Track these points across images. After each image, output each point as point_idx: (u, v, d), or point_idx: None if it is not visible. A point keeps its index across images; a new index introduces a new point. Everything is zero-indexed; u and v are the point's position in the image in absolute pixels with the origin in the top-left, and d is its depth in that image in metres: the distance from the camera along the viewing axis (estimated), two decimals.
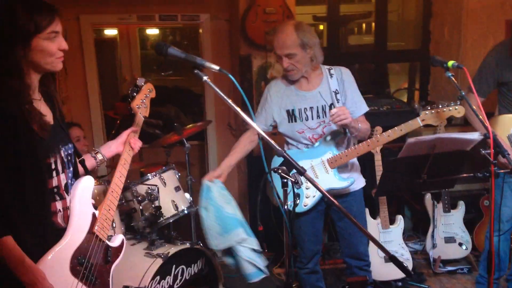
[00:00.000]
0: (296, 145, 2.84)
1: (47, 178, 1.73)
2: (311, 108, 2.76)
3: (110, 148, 2.15)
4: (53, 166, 1.76)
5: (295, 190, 2.62)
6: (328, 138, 2.75)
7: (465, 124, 3.24)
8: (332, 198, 1.70)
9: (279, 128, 2.87)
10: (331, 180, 2.73)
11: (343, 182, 2.74)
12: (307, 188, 2.75)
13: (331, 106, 2.73)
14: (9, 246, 1.59)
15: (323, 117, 2.75)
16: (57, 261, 1.69)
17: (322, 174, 2.74)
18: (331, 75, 2.76)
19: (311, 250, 2.95)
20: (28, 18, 1.63)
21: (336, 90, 2.73)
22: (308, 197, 2.76)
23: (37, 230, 1.69)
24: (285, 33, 2.63)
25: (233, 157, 2.85)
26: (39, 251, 1.66)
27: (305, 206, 2.77)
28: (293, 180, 1.80)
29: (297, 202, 2.71)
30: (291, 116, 2.79)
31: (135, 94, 2.28)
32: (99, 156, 2.12)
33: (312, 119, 2.76)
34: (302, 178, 2.64)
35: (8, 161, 1.61)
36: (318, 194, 2.76)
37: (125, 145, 2.12)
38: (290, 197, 2.62)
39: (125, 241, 2.03)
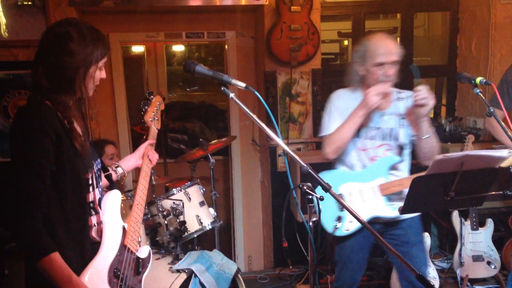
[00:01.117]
0: (353, 165, 2.65)
1: (85, 193, 1.78)
2: (378, 128, 2.59)
3: (130, 162, 2.21)
4: (90, 181, 1.81)
5: (339, 212, 2.51)
6: (384, 162, 2.58)
7: (492, 140, 3.19)
8: (363, 220, 1.63)
9: None
10: (379, 206, 2.53)
11: (393, 211, 2.52)
12: None
13: (397, 131, 2.58)
14: (57, 263, 1.61)
15: (389, 140, 2.59)
16: (96, 275, 1.71)
17: (370, 199, 2.55)
18: (400, 98, 2.62)
19: (351, 279, 2.71)
20: (96, 46, 1.74)
21: (403, 115, 2.59)
22: (352, 222, 2.54)
23: (76, 245, 1.73)
24: (390, 40, 2.49)
25: None
26: (78, 266, 1.69)
27: (346, 230, 2.56)
28: (318, 196, 1.77)
29: (338, 225, 2.53)
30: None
31: (146, 107, 2.32)
32: (119, 170, 2.17)
33: (377, 139, 2.59)
34: (346, 198, 2.51)
35: (54, 178, 1.66)
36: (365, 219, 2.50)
37: (144, 158, 2.18)
38: (332, 217, 2.53)
39: (151, 252, 2.06)
